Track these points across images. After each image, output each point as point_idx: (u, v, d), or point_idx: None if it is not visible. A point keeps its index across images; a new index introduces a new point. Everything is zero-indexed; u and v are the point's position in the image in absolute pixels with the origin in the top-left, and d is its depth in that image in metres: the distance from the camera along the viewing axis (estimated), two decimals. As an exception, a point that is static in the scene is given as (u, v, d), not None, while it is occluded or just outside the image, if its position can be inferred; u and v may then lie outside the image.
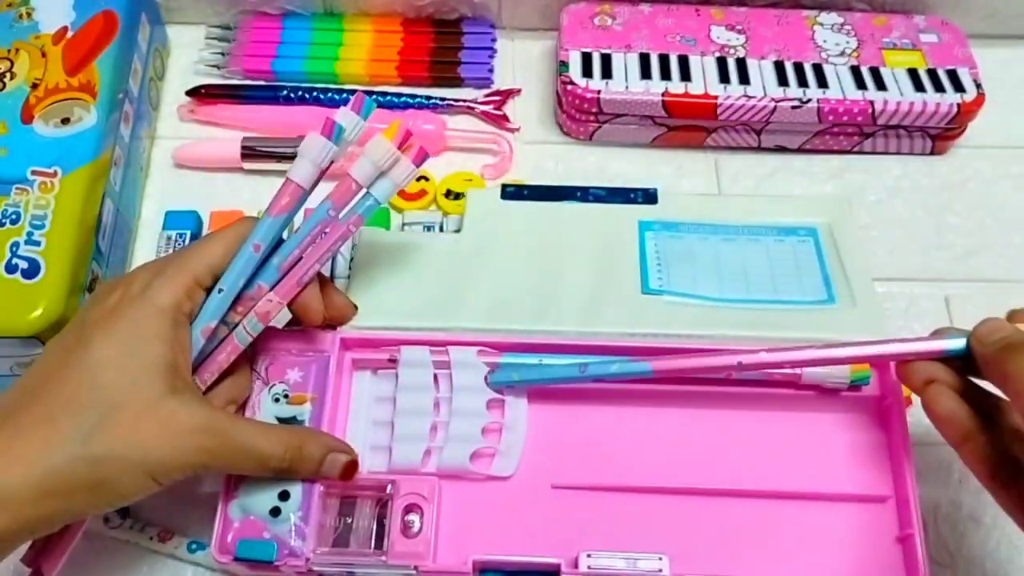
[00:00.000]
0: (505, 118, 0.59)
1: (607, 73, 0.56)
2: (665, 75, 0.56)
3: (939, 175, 0.58)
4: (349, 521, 0.41)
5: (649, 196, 0.51)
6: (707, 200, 0.54)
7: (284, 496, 0.40)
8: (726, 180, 0.57)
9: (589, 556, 0.39)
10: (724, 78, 0.56)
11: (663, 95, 0.55)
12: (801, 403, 0.44)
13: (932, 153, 0.58)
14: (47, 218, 0.46)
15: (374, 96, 0.59)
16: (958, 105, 0.55)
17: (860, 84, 0.56)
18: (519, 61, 0.63)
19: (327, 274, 0.50)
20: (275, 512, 0.40)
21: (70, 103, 0.50)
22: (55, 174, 0.47)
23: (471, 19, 0.63)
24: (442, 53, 0.61)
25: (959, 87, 0.56)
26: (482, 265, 0.48)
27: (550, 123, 0.60)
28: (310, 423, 0.42)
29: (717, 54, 0.57)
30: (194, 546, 0.44)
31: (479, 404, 0.43)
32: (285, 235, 0.42)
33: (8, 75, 0.51)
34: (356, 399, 0.44)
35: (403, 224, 0.53)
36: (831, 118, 0.55)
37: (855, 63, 0.57)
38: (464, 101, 0.60)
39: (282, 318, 0.42)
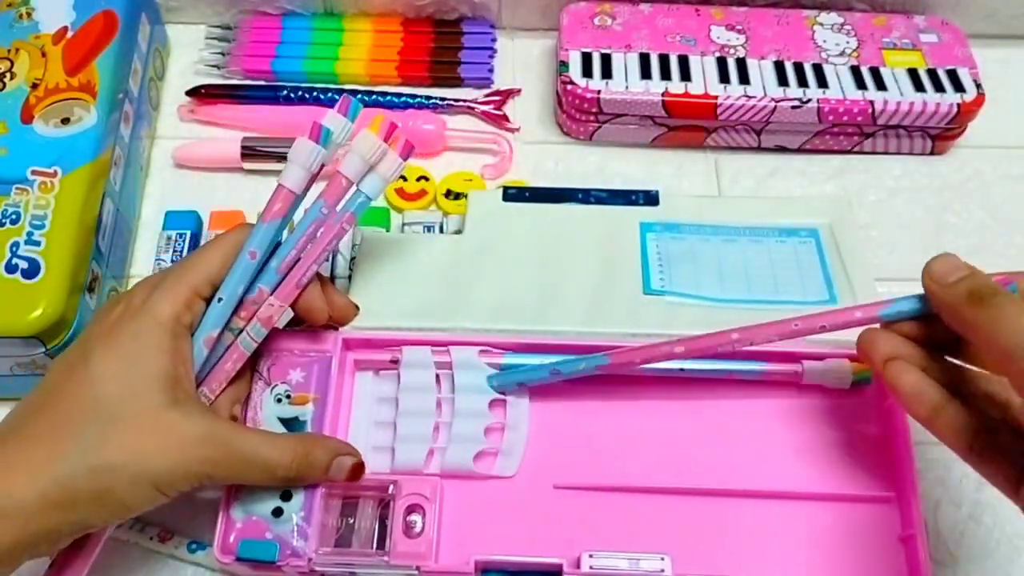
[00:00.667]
0: (505, 118, 0.59)
1: (607, 73, 0.56)
2: (665, 75, 0.56)
3: (939, 175, 0.58)
4: (351, 521, 0.41)
5: (650, 198, 0.51)
6: (708, 202, 0.54)
7: (286, 496, 0.40)
8: (726, 180, 0.57)
9: (591, 556, 0.39)
10: (724, 78, 0.56)
11: (663, 95, 0.55)
12: (803, 404, 0.44)
13: (932, 153, 0.58)
14: (47, 218, 0.46)
15: (374, 96, 0.59)
16: (958, 105, 0.55)
17: (860, 84, 0.56)
18: (519, 61, 0.63)
19: (328, 275, 0.50)
20: (277, 512, 0.40)
21: (70, 103, 0.50)
22: (55, 174, 0.47)
23: (471, 19, 0.63)
24: (442, 53, 0.61)
25: (959, 87, 0.56)
26: (484, 266, 0.48)
27: (550, 123, 0.60)
28: (312, 424, 0.42)
29: (717, 54, 0.57)
30: (194, 546, 0.44)
31: (482, 404, 0.43)
32: (284, 237, 0.42)
33: (8, 75, 0.51)
34: (358, 400, 0.44)
35: (403, 224, 0.53)
36: (831, 118, 0.55)
37: (855, 63, 0.57)
38: (464, 101, 0.60)
39: (284, 317, 0.42)
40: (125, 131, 0.53)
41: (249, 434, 0.39)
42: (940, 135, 0.57)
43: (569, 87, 0.56)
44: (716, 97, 0.55)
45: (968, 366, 0.38)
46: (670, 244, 0.49)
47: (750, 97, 0.55)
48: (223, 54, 0.61)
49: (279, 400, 0.42)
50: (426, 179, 0.56)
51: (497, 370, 0.44)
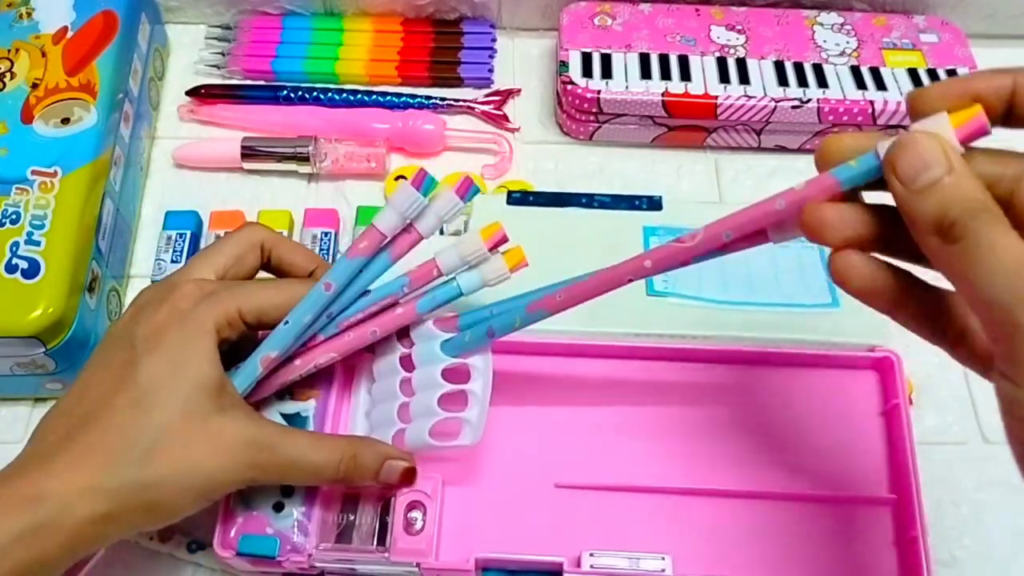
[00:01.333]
0: (505, 118, 0.59)
1: (607, 73, 0.56)
2: (665, 75, 0.56)
3: (939, 175, 0.58)
4: (352, 518, 0.40)
5: (654, 203, 0.51)
6: (712, 208, 0.53)
7: (287, 492, 0.40)
8: (726, 180, 0.57)
9: (592, 555, 0.39)
10: (724, 78, 0.56)
11: (663, 95, 0.55)
12: (806, 405, 0.44)
13: (932, 153, 0.58)
14: (47, 218, 0.46)
15: (374, 96, 0.59)
16: (958, 105, 0.55)
17: (860, 84, 0.56)
18: (519, 61, 0.63)
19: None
20: (278, 507, 0.40)
21: (70, 103, 0.50)
22: (55, 174, 0.47)
23: (471, 19, 0.63)
24: (442, 53, 0.61)
25: (959, 87, 0.56)
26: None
27: (550, 123, 0.60)
28: (314, 420, 0.42)
29: (717, 54, 0.57)
30: (194, 546, 0.44)
31: (434, 375, 0.41)
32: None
33: (8, 75, 0.51)
34: (359, 396, 0.44)
35: (403, 224, 0.53)
36: (831, 118, 0.55)
37: (855, 63, 0.57)
38: (464, 101, 0.60)
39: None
40: (125, 131, 0.53)
41: (296, 437, 0.39)
42: (940, 135, 0.57)
43: (569, 87, 0.56)
44: (716, 97, 0.55)
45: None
46: (673, 247, 0.49)
47: (750, 97, 0.55)
48: (223, 54, 0.61)
49: (282, 396, 0.42)
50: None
51: (452, 331, 0.41)
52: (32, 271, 0.44)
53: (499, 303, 0.40)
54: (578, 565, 0.39)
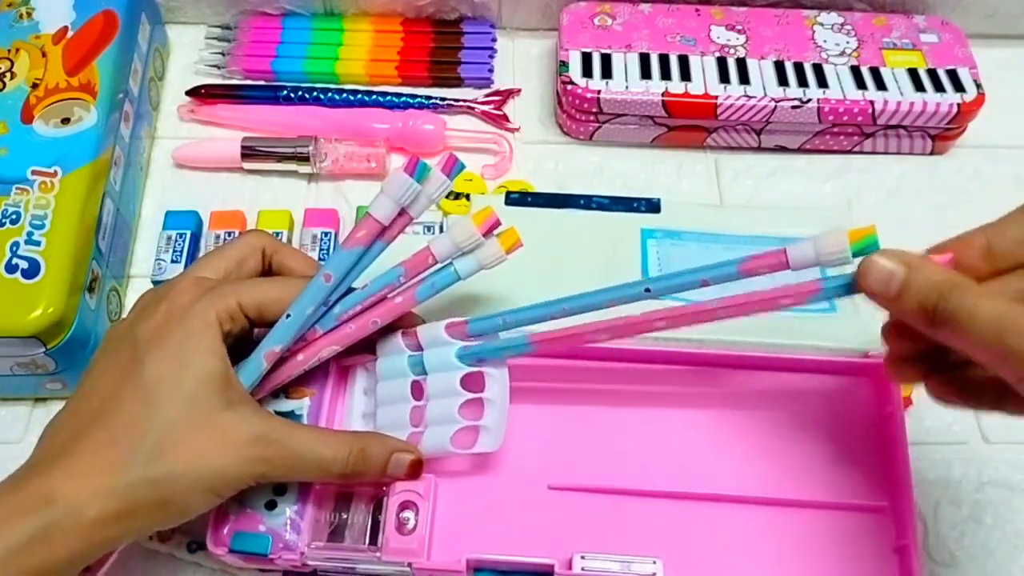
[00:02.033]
0: (505, 118, 0.59)
1: (607, 73, 0.56)
2: (665, 75, 0.56)
3: (939, 175, 0.58)
4: (344, 516, 0.41)
5: (652, 205, 0.51)
6: (709, 210, 0.54)
7: (280, 490, 0.40)
8: (726, 180, 0.57)
9: (583, 558, 0.39)
10: (724, 78, 0.56)
11: (663, 95, 0.55)
12: (800, 411, 0.44)
13: (932, 153, 0.58)
14: (47, 218, 0.46)
15: (374, 96, 0.59)
16: (958, 105, 0.55)
17: (860, 84, 0.56)
18: (519, 61, 0.63)
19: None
20: (271, 505, 0.40)
21: (70, 103, 0.50)
22: (55, 174, 0.47)
23: (471, 19, 0.63)
24: (442, 53, 0.61)
25: (959, 87, 0.56)
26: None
27: (550, 123, 0.60)
28: (308, 418, 0.42)
29: (717, 54, 0.57)
30: (194, 546, 0.44)
31: (452, 382, 0.41)
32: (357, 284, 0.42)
33: (8, 75, 0.51)
34: (353, 395, 0.44)
35: (403, 224, 0.53)
36: (831, 118, 0.55)
37: (855, 63, 0.57)
38: (464, 101, 0.60)
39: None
40: (125, 131, 0.53)
41: (304, 432, 0.39)
42: (940, 135, 0.57)
43: (569, 87, 0.56)
44: (716, 97, 0.55)
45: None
46: (670, 250, 0.49)
47: (750, 97, 0.55)
48: (223, 54, 0.61)
49: (276, 394, 0.42)
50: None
51: (464, 339, 0.42)
52: (32, 271, 0.44)
53: (509, 313, 0.41)
54: (569, 567, 0.39)
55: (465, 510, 0.42)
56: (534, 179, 0.57)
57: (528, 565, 0.40)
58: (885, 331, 0.36)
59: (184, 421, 0.35)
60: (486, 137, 0.58)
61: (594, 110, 0.56)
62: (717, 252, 0.49)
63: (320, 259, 0.51)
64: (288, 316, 0.39)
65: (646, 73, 0.56)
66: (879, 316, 0.45)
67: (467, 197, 0.54)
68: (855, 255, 0.35)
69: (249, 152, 0.56)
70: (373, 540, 0.40)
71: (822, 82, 0.56)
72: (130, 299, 0.53)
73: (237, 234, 0.53)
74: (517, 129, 0.59)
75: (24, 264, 0.45)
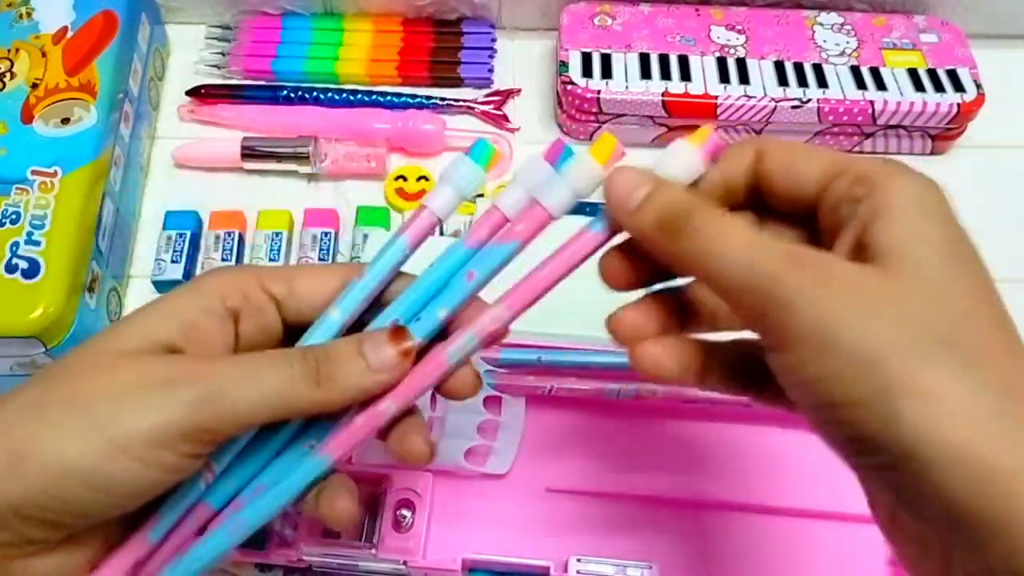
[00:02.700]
0: (505, 118, 0.59)
1: (607, 73, 0.56)
2: (665, 75, 0.56)
3: (939, 175, 0.57)
4: None
5: None
6: None
7: None
8: (726, 180, 0.57)
9: (579, 561, 0.39)
10: (724, 78, 0.56)
11: (663, 95, 0.55)
12: (795, 418, 0.44)
13: (932, 153, 0.58)
14: (47, 218, 0.46)
15: (374, 96, 0.59)
16: (958, 105, 0.55)
17: (860, 84, 0.56)
18: (519, 61, 0.62)
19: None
20: None
21: (70, 103, 0.50)
22: (55, 174, 0.47)
23: (471, 19, 0.63)
24: (442, 53, 0.61)
25: (959, 87, 0.56)
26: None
27: (550, 123, 0.60)
28: None
29: (717, 54, 0.57)
30: (194, 546, 0.44)
31: (476, 401, 0.43)
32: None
33: (8, 75, 0.51)
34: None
35: (403, 224, 0.53)
36: (831, 118, 0.55)
37: (855, 63, 0.57)
38: (464, 101, 0.60)
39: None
40: (125, 131, 0.53)
41: (231, 358, 0.30)
42: (940, 135, 0.57)
43: (569, 87, 0.56)
44: (716, 97, 0.55)
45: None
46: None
47: (750, 97, 0.55)
48: (223, 54, 0.61)
49: None
50: (426, 179, 0.56)
51: (493, 365, 0.43)
52: (32, 271, 0.44)
53: (546, 352, 0.42)
54: (565, 570, 0.39)
55: (462, 510, 0.42)
56: (534, 179, 0.56)
57: (523, 567, 0.40)
58: (604, 257, 0.31)
59: (90, 367, 0.28)
60: (486, 137, 0.58)
61: (594, 110, 0.56)
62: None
63: (319, 260, 0.51)
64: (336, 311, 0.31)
65: (646, 73, 0.56)
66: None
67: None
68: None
69: (249, 152, 0.56)
70: (369, 537, 0.40)
71: (822, 82, 0.56)
72: (130, 299, 0.53)
73: (236, 235, 0.53)
74: (517, 129, 0.59)
75: (24, 264, 0.45)
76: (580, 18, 0.59)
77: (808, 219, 0.30)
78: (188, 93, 0.60)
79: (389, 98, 0.59)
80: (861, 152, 0.58)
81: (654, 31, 0.59)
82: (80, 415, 0.27)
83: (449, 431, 0.42)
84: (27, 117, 0.49)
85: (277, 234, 0.52)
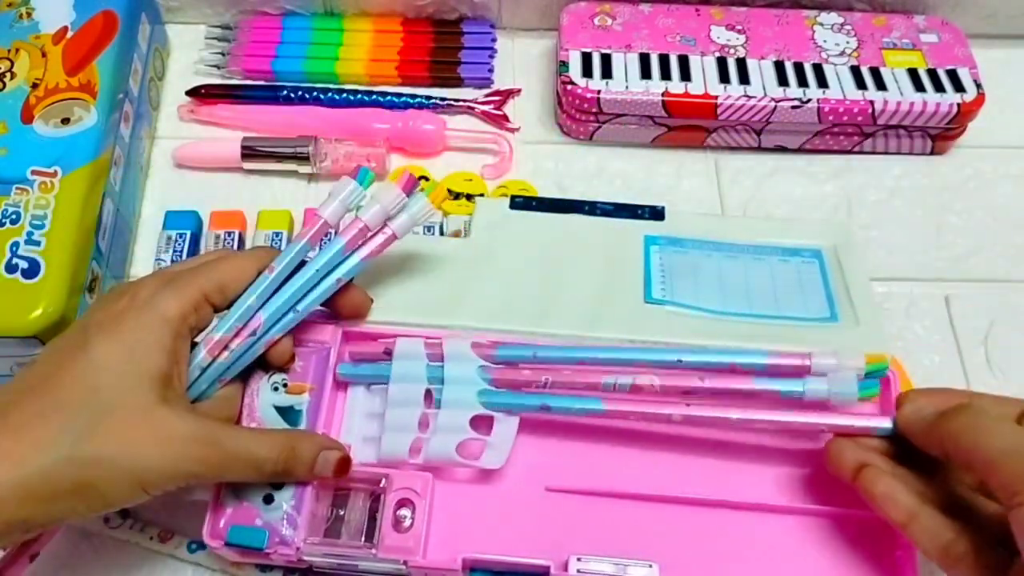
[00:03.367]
0: (505, 118, 0.59)
1: (607, 73, 0.56)
2: (665, 75, 0.56)
3: (939, 175, 0.58)
4: (341, 513, 0.41)
5: (656, 213, 0.51)
6: (713, 220, 0.54)
7: (278, 484, 0.40)
8: (726, 180, 0.57)
9: (579, 560, 0.39)
10: (724, 78, 0.56)
11: (663, 95, 0.55)
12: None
13: (932, 153, 0.58)
14: (47, 218, 0.46)
15: (374, 96, 0.59)
16: (958, 105, 0.55)
17: (860, 84, 0.56)
18: (519, 61, 0.63)
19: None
20: (268, 499, 0.40)
21: (70, 103, 0.50)
22: (55, 174, 0.47)
23: (471, 19, 0.63)
24: (442, 53, 0.61)
25: (959, 87, 0.56)
26: (487, 269, 0.48)
27: (550, 123, 0.60)
28: (307, 414, 0.42)
29: (717, 54, 0.57)
30: (194, 546, 0.44)
31: (469, 395, 0.42)
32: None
33: (8, 75, 0.51)
34: (355, 392, 0.44)
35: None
36: (831, 118, 0.55)
37: (855, 63, 0.57)
38: (464, 101, 0.60)
39: None
40: (125, 131, 0.53)
41: (238, 431, 0.40)
42: (940, 135, 0.57)
43: (569, 87, 0.56)
44: (716, 97, 0.55)
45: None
46: (673, 257, 0.49)
47: (750, 97, 0.55)
48: (223, 54, 0.61)
49: (276, 388, 0.42)
50: (426, 179, 0.56)
51: (489, 362, 0.43)
52: (32, 271, 0.44)
53: (541, 349, 0.43)
54: (565, 569, 0.39)
55: (462, 510, 0.42)
56: (534, 179, 0.57)
57: (524, 566, 0.40)
58: (840, 441, 0.40)
59: (119, 409, 0.35)
60: (486, 137, 0.58)
61: (594, 110, 0.56)
62: (719, 260, 0.49)
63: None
64: (229, 308, 0.40)
65: (646, 73, 0.56)
66: (880, 328, 0.46)
67: (468, 197, 0.55)
68: (868, 376, 0.41)
69: (249, 152, 0.56)
70: (369, 537, 0.40)
71: (822, 82, 0.56)
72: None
73: (236, 235, 0.53)
74: (517, 129, 0.59)
75: (24, 264, 0.45)
76: (580, 18, 0.59)
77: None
78: (188, 93, 0.60)
79: (389, 98, 0.59)
80: (861, 152, 0.58)
81: (654, 31, 0.59)
82: (124, 462, 0.35)
83: (440, 426, 0.42)
84: (27, 117, 0.49)
85: (277, 234, 0.52)
